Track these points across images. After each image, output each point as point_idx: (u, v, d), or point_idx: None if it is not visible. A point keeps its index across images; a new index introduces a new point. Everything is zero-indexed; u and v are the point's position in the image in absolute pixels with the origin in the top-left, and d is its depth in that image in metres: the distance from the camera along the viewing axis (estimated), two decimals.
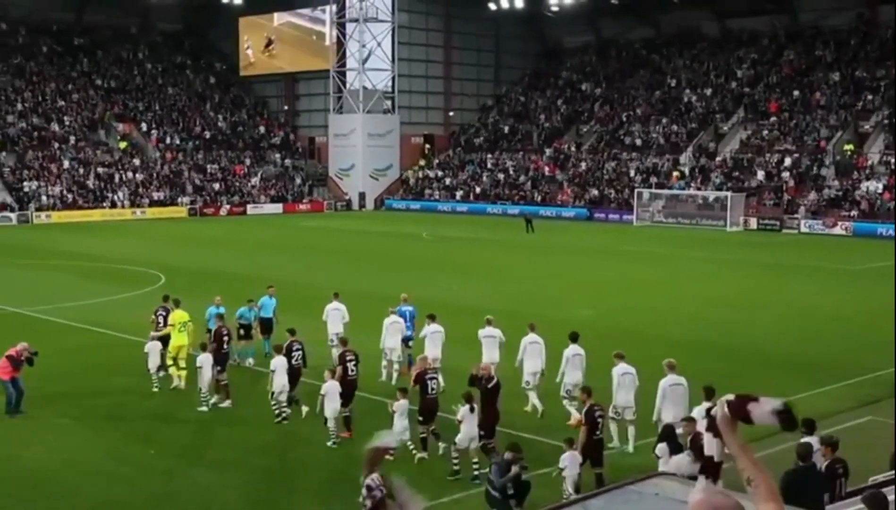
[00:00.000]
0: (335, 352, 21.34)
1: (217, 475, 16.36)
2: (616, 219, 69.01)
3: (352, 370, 18.30)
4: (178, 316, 21.65)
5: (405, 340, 22.25)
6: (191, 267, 42.20)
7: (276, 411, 18.80)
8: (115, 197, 73.31)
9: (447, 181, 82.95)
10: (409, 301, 23.05)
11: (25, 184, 70.67)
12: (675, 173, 70.51)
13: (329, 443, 17.44)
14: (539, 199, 75.61)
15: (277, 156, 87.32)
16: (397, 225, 65.97)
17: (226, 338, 20.94)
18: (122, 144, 79.27)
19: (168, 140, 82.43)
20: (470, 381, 16.70)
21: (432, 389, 17.02)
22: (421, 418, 16.85)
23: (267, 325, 23.98)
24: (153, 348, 21.25)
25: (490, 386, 16.48)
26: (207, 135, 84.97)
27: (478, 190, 79.81)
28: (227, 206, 76.62)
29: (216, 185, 79.36)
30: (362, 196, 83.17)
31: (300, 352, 19.47)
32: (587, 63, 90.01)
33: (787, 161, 67.24)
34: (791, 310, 32.24)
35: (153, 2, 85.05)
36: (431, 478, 15.62)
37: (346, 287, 26.46)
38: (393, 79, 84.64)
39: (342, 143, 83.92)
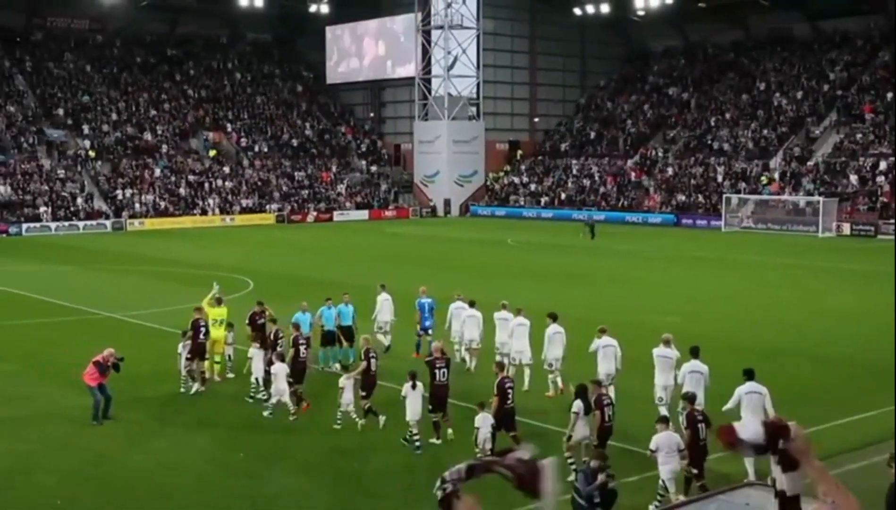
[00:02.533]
0: (381, 338, 24.76)
1: (305, 478, 16.53)
2: (704, 224, 68.06)
3: (303, 353, 20.49)
4: (215, 313, 22.89)
5: (425, 329, 24.53)
6: (279, 272, 42.83)
7: (252, 394, 20.79)
8: (206, 204, 74.75)
9: (532, 187, 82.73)
10: (427, 293, 25.10)
11: (119, 192, 72.48)
12: (764, 178, 69.24)
13: (265, 414, 19.61)
14: (625, 204, 74.96)
15: (363, 163, 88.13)
16: (482, 231, 66.02)
17: (202, 328, 21.93)
18: (212, 153, 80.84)
19: (256, 148, 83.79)
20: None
21: (374, 368, 19.07)
22: (364, 393, 18.88)
23: (347, 333, 24.13)
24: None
25: (426, 360, 18.42)
26: (295, 142, 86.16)
27: (563, 196, 79.43)
28: (314, 213, 77.52)
29: (304, 192, 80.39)
30: (447, 202, 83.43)
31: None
32: (674, 67, 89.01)
33: (883, 165, 65.51)
34: (886, 320, 31.31)
35: (243, 12, 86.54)
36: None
37: (432, 293, 26.61)
38: (478, 85, 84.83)
39: (427, 149, 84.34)
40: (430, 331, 24.58)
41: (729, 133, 76.78)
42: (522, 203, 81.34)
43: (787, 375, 22.83)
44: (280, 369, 19.54)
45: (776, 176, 69.59)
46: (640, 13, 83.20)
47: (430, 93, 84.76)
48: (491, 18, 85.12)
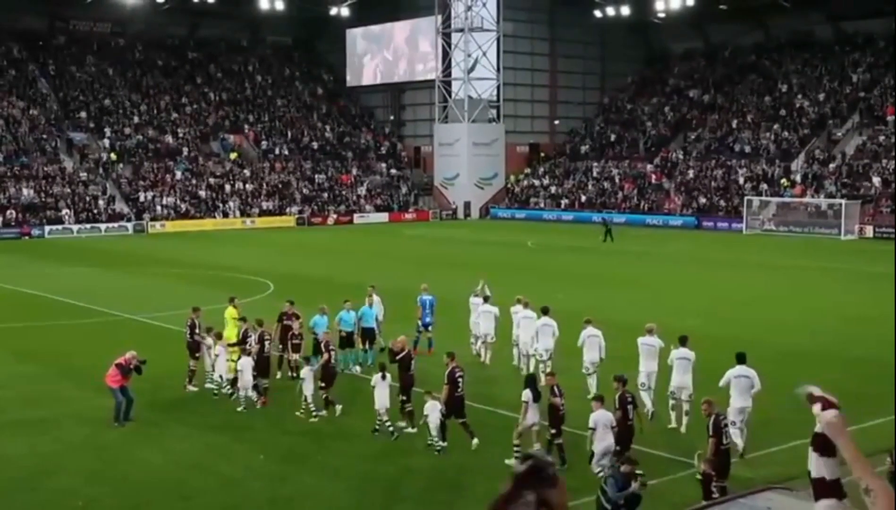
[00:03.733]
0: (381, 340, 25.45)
1: (325, 480, 16.55)
2: (725, 227, 67.76)
3: (267, 349, 21.69)
4: (229, 312, 23.92)
5: (425, 326, 25.28)
6: (299, 274, 42.91)
7: (215, 390, 21.76)
8: (226, 207, 75.01)
9: (552, 190, 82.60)
10: (429, 291, 26.02)
11: (141, 194, 72.85)
12: (785, 181, 68.88)
13: (238, 410, 20.50)
14: (646, 207, 74.73)
15: (383, 165, 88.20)
16: (502, 233, 65.95)
17: (188, 328, 22.78)
18: (233, 155, 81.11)
19: (277, 150, 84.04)
20: (389, 355, 19.76)
21: (333, 360, 20.69)
22: (323, 384, 20.12)
23: (368, 335, 24.29)
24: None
25: (398, 357, 19.32)
26: (315, 145, 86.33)
27: (583, 198, 79.25)
28: (334, 216, 77.65)
29: (324, 195, 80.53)
30: (467, 205, 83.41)
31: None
32: (695, 69, 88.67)
33: None
34: None
35: (263, 15, 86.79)
36: None
37: (450, 295, 26.67)
38: (498, 88, 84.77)
39: (447, 152, 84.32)
40: (429, 328, 25.47)
41: (750, 135, 76.43)
42: (542, 205, 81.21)
43: (810, 377, 22.68)
44: (246, 364, 20.56)
45: (798, 178, 69.19)
46: (661, 15, 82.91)
47: (450, 95, 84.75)
48: (511, 21, 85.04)
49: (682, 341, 19.05)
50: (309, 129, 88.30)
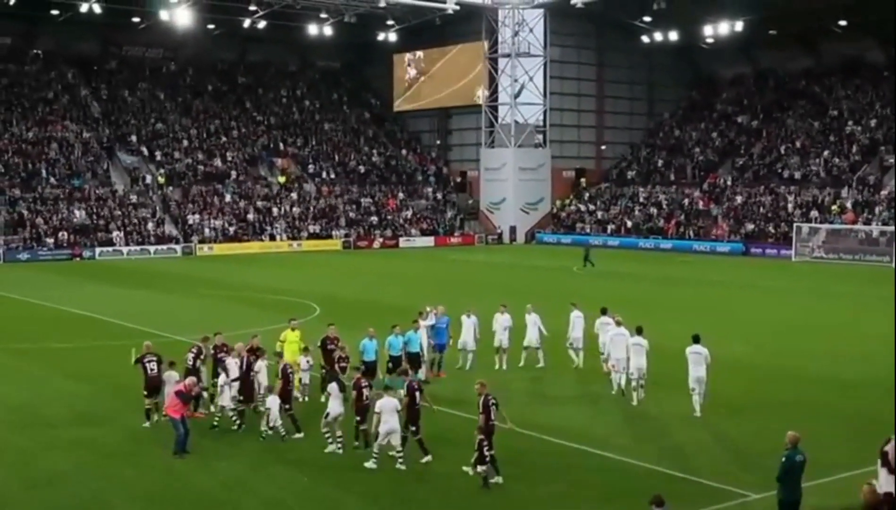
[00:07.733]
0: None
1: (368, 503, 16.49)
2: (773, 254, 67.04)
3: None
4: (289, 336, 24.02)
5: (439, 347, 26.03)
6: (345, 298, 43.05)
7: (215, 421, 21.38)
8: (273, 230, 75.57)
9: (599, 215, 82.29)
10: (445, 313, 26.66)
11: (190, 217, 73.62)
12: (835, 207, 68.04)
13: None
14: (692, 233, 74.17)
15: (429, 190, 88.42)
16: (547, 258, 65.74)
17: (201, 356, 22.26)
18: (281, 179, 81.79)
19: (324, 174, 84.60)
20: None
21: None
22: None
23: (415, 360, 24.19)
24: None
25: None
26: (362, 169, 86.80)
27: (629, 224, 78.84)
28: (380, 240, 77.91)
29: (370, 219, 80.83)
30: (513, 229, 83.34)
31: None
32: (743, 94, 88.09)
33: None
34: None
35: (312, 41, 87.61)
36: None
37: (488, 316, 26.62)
38: (545, 112, 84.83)
39: (493, 176, 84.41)
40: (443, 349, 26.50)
41: (800, 161, 75.68)
42: (589, 230, 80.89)
43: (864, 407, 22.29)
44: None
45: (849, 204, 68.34)
46: (709, 40, 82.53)
47: (496, 120, 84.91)
48: (558, 46, 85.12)
49: (639, 331, 22.57)
50: (356, 153, 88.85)
